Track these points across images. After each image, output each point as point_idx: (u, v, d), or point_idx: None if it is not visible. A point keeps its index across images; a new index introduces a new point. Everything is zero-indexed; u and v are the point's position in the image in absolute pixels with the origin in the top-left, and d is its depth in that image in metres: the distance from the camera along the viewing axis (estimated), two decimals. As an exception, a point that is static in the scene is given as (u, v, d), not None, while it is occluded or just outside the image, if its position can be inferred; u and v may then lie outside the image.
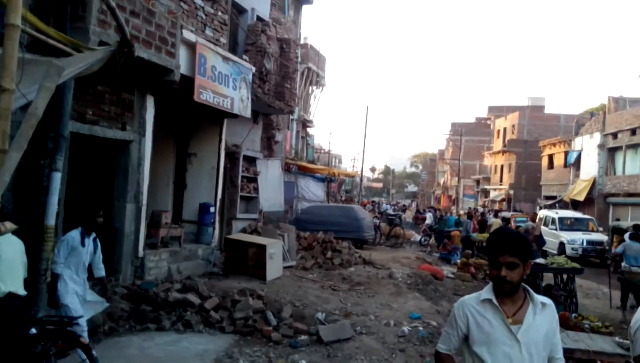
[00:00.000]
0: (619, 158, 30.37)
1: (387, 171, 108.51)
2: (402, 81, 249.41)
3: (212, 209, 11.01)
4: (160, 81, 8.37)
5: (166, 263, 9.39)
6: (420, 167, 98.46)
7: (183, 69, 8.68)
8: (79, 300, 5.51)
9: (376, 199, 69.10)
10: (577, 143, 34.90)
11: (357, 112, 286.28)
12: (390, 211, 33.41)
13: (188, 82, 9.03)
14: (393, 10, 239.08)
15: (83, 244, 5.52)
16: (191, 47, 9.05)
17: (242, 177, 13.59)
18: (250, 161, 14.14)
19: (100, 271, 5.82)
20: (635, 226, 12.62)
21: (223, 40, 10.99)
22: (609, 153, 31.26)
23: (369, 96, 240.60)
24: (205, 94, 9.45)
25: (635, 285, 10.18)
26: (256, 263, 10.15)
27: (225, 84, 10.16)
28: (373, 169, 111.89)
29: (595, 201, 31.32)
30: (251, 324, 7.43)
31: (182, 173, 11.74)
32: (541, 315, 2.36)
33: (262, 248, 10.19)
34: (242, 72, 10.84)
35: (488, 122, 62.91)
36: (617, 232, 17.87)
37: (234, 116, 11.06)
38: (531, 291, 2.40)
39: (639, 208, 27.18)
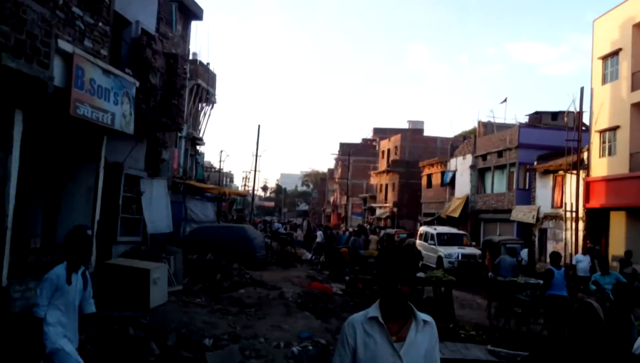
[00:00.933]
0: (488, 177, 33.42)
1: (279, 189, 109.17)
2: (294, 100, 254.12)
3: (89, 232, 10.19)
4: (31, 94, 7.65)
5: (34, 293, 8.48)
6: (312, 186, 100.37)
7: (58, 81, 8.03)
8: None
9: (268, 218, 69.02)
10: (452, 163, 37.82)
11: (249, 130, 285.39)
12: (282, 230, 33.51)
13: (64, 95, 8.37)
14: (284, 31, 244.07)
15: (69, 282, 4.67)
16: (68, 58, 8.41)
17: (124, 197, 12.82)
18: (133, 180, 13.40)
19: (91, 306, 4.96)
20: (509, 248, 13.90)
21: (104, 52, 10.36)
22: (479, 173, 34.28)
23: (261, 114, 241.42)
24: (82, 109, 8.81)
25: (503, 292, 11.07)
26: (138, 289, 9.56)
27: (105, 98, 9.56)
28: (265, 188, 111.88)
29: (468, 217, 34.06)
30: (132, 356, 6.95)
31: (57, 193, 10.77)
32: (423, 332, 2.45)
33: (144, 272, 9.62)
34: (125, 87, 10.29)
35: (374, 143, 66.04)
36: (488, 246, 19.47)
37: (116, 133, 10.43)
38: (414, 309, 2.49)
39: (506, 224, 30.02)
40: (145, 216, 13.26)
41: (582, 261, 16.12)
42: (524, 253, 18.89)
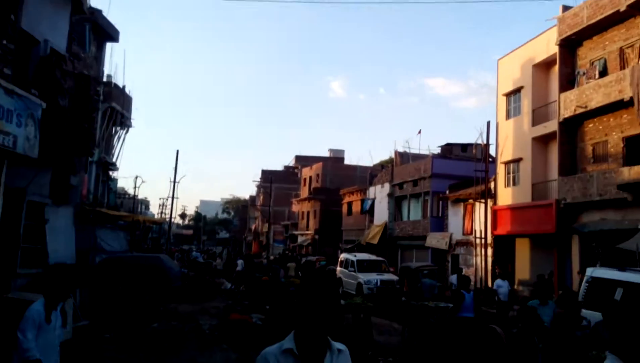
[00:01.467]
0: (405, 205, 34.64)
1: (199, 217, 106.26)
2: (214, 126, 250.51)
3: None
4: None
5: None
6: (233, 213, 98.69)
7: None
8: None
9: (186, 246, 66.74)
10: (371, 191, 38.87)
11: (167, 155, 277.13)
12: (200, 259, 32.50)
13: (-44, 115, 7.66)
14: (204, 56, 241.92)
15: (49, 320, 4.23)
16: (-38, 75, 7.74)
17: (26, 226, 11.84)
18: (37, 207, 12.44)
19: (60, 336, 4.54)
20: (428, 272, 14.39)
21: (7, 71, 9.67)
22: (397, 201, 35.46)
23: (180, 140, 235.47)
24: (-21, 130, 8.10)
25: (415, 316, 11.40)
26: (39, 326, 8.76)
27: (7, 119, 8.86)
28: (183, 216, 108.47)
29: (387, 244, 34.96)
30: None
31: (-56, 221, 9.73)
32: (337, 361, 2.44)
33: (47, 308, 8.85)
34: (30, 108, 9.62)
35: (295, 170, 66.47)
36: (405, 273, 20.05)
37: (18, 157, 9.67)
38: (329, 338, 2.47)
39: (421, 250, 31.12)
40: (49, 246, 12.32)
41: (502, 287, 16.87)
42: (453, 278, 19.78)
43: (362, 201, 39.89)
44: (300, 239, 52.93)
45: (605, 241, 17.84)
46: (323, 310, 2.36)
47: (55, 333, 4.33)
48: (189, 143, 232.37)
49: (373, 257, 26.38)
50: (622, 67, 18.37)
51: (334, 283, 11.31)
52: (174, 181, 40.86)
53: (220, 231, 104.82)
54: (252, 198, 78.90)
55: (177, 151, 60.56)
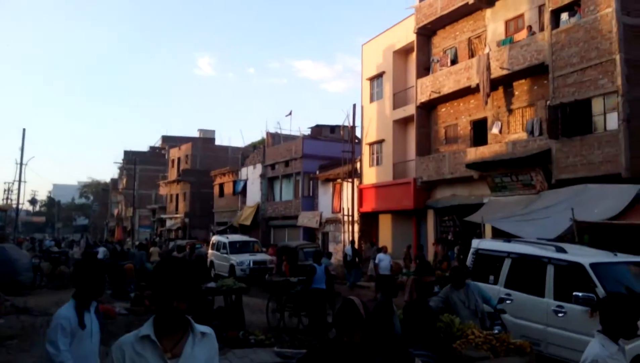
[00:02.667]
0: (277, 186, 34.98)
1: (52, 202, 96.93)
2: (68, 104, 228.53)
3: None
4: None
5: None
6: (92, 197, 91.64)
7: None
8: None
9: (38, 235, 60.60)
10: (243, 173, 38.60)
11: (13, 135, 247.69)
12: (55, 249, 29.68)
13: None
14: (60, 28, 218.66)
15: (83, 325, 3.47)
16: None
17: None
18: None
19: None
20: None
21: None
22: (269, 181, 35.66)
23: (28, 118, 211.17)
24: None
25: (278, 291, 11.88)
26: None
27: None
28: (34, 201, 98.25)
29: (259, 224, 35.10)
30: None
31: None
32: (200, 345, 2.33)
33: None
34: None
35: (162, 151, 63.50)
36: (284, 252, 20.16)
37: None
38: (192, 322, 2.36)
39: (293, 229, 31.76)
40: None
41: (384, 260, 17.82)
42: (348, 249, 21.40)
43: (234, 182, 39.46)
44: (169, 223, 50.93)
45: (456, 214, 19.75)
46: (178, 294, 2.21)
47: (92, 340, 3.61)
48: (39, 122, 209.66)
49: (246, 238, 26.28)
50: (471, 56, 20.25)
51: (195, 267, 11.01)
52: (21, 163, 36.65)
53: (78, 217, 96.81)
54: (114, 181, 73.92)
55: (24, 130, 54.37)
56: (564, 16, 16.01)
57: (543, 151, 16.07)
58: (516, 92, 18.36)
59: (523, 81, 18.01)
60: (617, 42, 14.13)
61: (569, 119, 15.46)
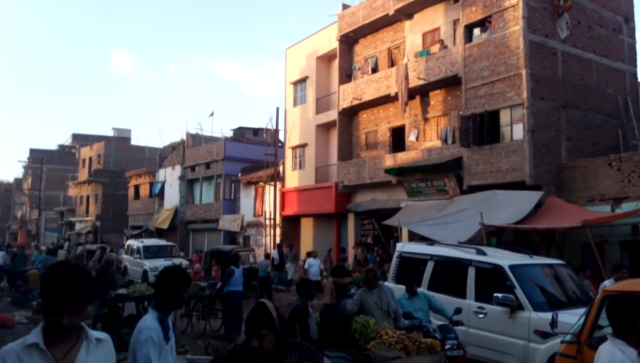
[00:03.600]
0: (197, 188, 34.07)
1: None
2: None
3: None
4: None
5: None
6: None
7: None
8: None
9: None
10: (161, 174, 37.23)
11: None
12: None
13: None
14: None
15: (167, 338, 3.17)
16: None
17: None
18: None
19: None
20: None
21: None
22: (189, 184, 34.67)
23: None
24: None
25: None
26: None
27: None
28: None
29: (177, 228, 33.99)
30: None
31: None
32: (95, 352, 2.18)
33: None
34: None
35: (73, 150, 59.86)
36: (216, 256, 19.52)
37: None
38: (86, 327, 2.20)
39: (214, 232, 31.07)
40: None
41: (314, 266, 17.66)
42: (275, 253, 20.91)
43: (151, 184, 37.96)
44: (78, 226, 47.97)
45: (376, 218, 20.25)
46: (67, 298, 2.06)
47: (172, 354, 3.28)
48: None
49: (162, 242, 25.35)
50: (390, 66, 20.90)
51: (105, 270, 10.60)
52: None
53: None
54: (18, 181, 68.59)
55: None
56: (476, 31, 16.96)
57: (455, 158, 16.88)
58: (432, 102, 19.18)
59: (438, 91, 18.85)
60: (524, 58, 15.17)
61: (479, 129, 16.35)
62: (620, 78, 17.80)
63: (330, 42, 23.62)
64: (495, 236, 14.72)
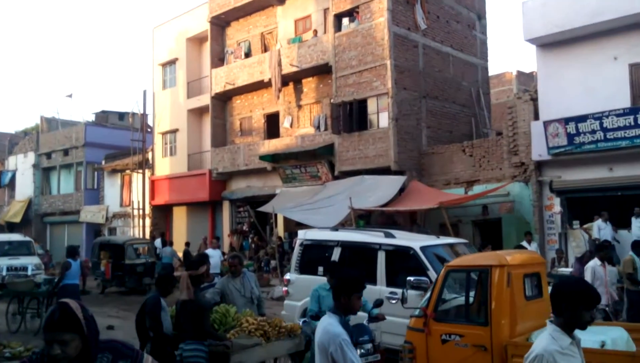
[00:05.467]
0: (54, 177, 31.04)
1: None
2: None
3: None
4: None
5: None
6: None
7: None
8: None
9: None
10: (12, 162, 33.35)
11: None
12: None
13: None
14: None
15: (354, 342, 3.22)
16: None
17: None
18: None
19: None
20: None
21: None
22: (44, 172, 31.46)
23: None
24: None
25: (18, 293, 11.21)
26: None
27: None
28: None
29: (32, 222, 30.75)
30: None
31: None
32: None
33: None
34: None
35: None
36: (105, 248, 17.91)
37: None
38: None
39: (75, 225, 28.59)
40: None
41: (214, 257, 16.58)
42: (159, 242, 19.82)
43: (0, 173, 33.82)
44: None
45: (251, 205, 20.08)
46: None
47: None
48: None
49: (16, 237, 22.59)
50: (264, 51, 20.68)
51: None
52: None
53: None
54: None
55: None
56: (345, 21, 17.42)
57: (328, 144, 17.30)
58: (305, 89, 19.39)
59: (311, 78, 19.09)
60: (388, 49, 15.90)
61: (349, 116, 16.89)
62: (474, 71, 19.49)
63: (200, 23, 22.69)
64: (364, 219, 15.42)
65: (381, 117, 16.31)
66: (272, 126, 20.66)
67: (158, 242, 19.98)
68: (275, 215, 17.19)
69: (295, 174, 18.64)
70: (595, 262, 7.60)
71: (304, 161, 18.03)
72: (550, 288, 7.02)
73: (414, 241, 7.43)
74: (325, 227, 9.78)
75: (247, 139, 21.26)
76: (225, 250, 19.44)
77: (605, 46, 12.91)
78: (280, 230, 19.25)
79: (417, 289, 6.31)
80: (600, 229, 11.58)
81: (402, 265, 7.13)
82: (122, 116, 32.98)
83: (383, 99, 16.19)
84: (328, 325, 3.08)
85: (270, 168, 19.26)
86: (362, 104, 16.75)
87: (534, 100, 14.12)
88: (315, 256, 8.52)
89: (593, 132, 12.34)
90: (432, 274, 6.58)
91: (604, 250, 7.87)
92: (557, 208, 13.63)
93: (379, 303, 5.78)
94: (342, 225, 16.45)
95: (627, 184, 12.43)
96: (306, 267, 8.35)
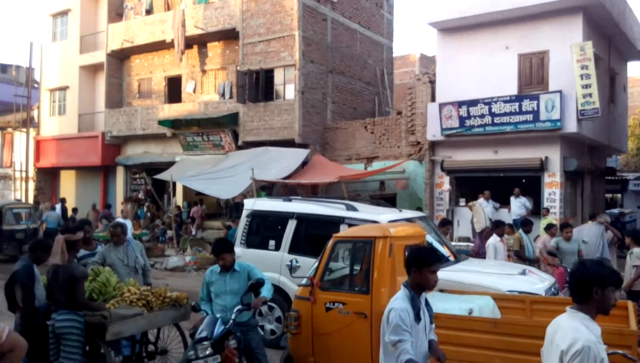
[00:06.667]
0: None
1: None
2: None
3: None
4: None
5: None
6: None
7: None
8: None
9: None
10: None
11: None
12: None
13: None
14: None
15: (419, 317, 3.09)
16: None
17: None
18: None
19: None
20: None
21: None
22: None
23: None
24: None
25: None
26: None
27: None
28: None
29: None
30: None
31: None
32: None
33: None
34: None
35: None
36: None
37: None
38: None
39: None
40: None
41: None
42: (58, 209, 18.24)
43: None
44: None
45: (148, 172, 19.16)
46: None
47: (425, 336, 3.11)
48: None
49: None
50: (167, 9, 19.50)
51: None
52: None
53: None
54: None
55: None
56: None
57: (232, 113, 16.87)
58: (210, 54, 18.65)
59: (217, 43, 18.40)
60: (297, 20, 15.70)
61: (255, 86, 16.54)
62: (379, 50, 19.90)
63: (97, -28, 20.89)
64: (266, 190, 15.35)
65: (288, 88, 16.18)
66: (173, 90, 19.72)
67: (58, 209, 18.43)
68: (174, 184, 16.57)
69: (197, 142, 18.03)
70: (495, 239, 8.04)
71: (206, 128, 17.47)
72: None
73: (379, 214, 6.90)
74: (278, 197, 9.15)
75: (145, 102, 20.15)
76: (119, 215, 18.46)
77: (499, 35, 13.72)
78: (179, 199, 18.65)
79: None
80: (483, 207, 12.45)
81: None
82: (4, 68, 29.80)
83: (290, 71, 16.04)
84: (393, 298, 3.08)
85: (170, 134, 18.45)
86: (269, 74, 16.47)
87: (432, 82, 14.73)
88: (265, 229, 7.81)
89: (482, 116, 13.16)
90: None
91: (499, 227, 8.37)
92: (446, 186, 14.47)
93: (257, 283, 4.54)
94: (244, 196, 16.32)
95: (509, 166, 13.47)
96: (254, 241, 7.57)
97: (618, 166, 21.88)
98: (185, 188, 17.96)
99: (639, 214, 19.35)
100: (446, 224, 9.39)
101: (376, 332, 4.18)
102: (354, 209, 6.92)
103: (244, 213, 7.88)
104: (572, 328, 2.38)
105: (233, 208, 17.72)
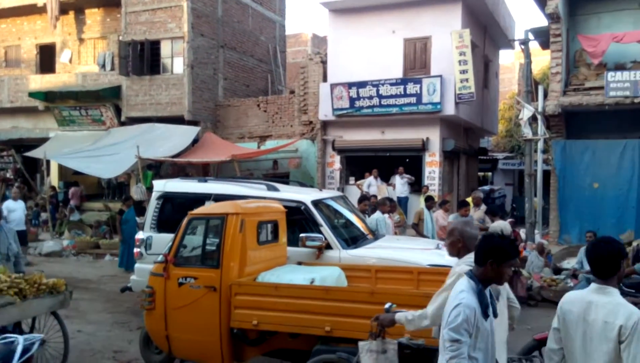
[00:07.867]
0: None
1: None
2: None
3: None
4: None
5: None
6: None
7: None
8: None
9: None
10: None
11: None
12: None
13: None
14: None
15: (486, 315, 2.62)
16: None
17: None
18: None
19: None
20: None
21: None
22: None
23: None
24: None
25: None
26: None
27: None
28: None
29: None
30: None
31: None
32: None
33: None
34: None
35: None
36: None
37: None
38: None
39: None
40: None
41: (17, 210, 12.78)
42: None
43: None
44: None
45: (17, 149, 17.39)
46: None
47: (493, 333, 2.69)
48: None
49: None
50: (37, -31, 17.61)
51: None
52: None
53: None
54: None
55: None
56: (140, -49, 15.80)
57: (114, 86, 15.82)
58: (88, 21, 17.21)
59: (96, 10, 17.02)
60: (186, -9, 14.98)
61: (140, 58, 15.59)
62: (272, 27, 19.67)
63: None
64: (153, 169, 14.66)
65: (176, 62, 15.47)
66: (46, 59, 17.98)
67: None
68: (48, 162, 15.20)
69: (74, 117, 16.67)
70: (379, 214, 8.34)
71: (85, 102, 16.20)
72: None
73: (302, 194, 6.68)
74: (190, 178, 8.66)
75: (13, 72, 18.18)
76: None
77: (387, 19, 14.19)
78: (54, 178, 17.18)
79: (310, 247, 5.89)
80: (370, 185, 12.97)
81: (291, 221, 6.04)
82: None
83: (178, 43, 15.32)
84: (459, 289, 2.61)
85: (42, 107, 16.87)
86: (155, 45, 15.61)
87: (324, 63, 14.92)
88: (179, 212, 6.91)
89: (371, 98, 13.62)
90: (326, 230, 6.12)
91: (387, 203, 8.76)
92: (337, 165, 14.86)
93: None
94: (128, 175, 15.43)
95: (395, 146, 14.13)
96: (166, 224, 6.92)
97: (489, 146, 23.94)
98: (61, 167, 16.58)
99: (507, 190, 21.46)
100: (363, 200, 9.08)
101: (225, 304, 4.50)
102: (275, 189, 6.69)
103: (154, 195, 7.35)
104: (618, 304, 2.50)
105: (116, 188, 16.73)
